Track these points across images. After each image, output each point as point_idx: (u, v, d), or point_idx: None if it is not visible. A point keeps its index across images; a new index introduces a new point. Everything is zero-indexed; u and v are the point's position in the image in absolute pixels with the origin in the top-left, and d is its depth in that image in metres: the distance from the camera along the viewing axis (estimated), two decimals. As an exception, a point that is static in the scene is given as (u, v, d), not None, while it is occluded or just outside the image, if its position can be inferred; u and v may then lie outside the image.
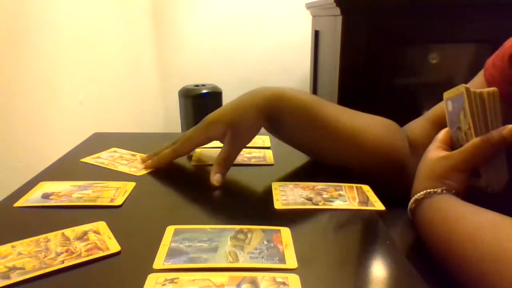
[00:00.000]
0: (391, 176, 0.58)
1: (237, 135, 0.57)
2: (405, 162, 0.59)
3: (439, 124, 0.54)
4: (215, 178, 0.55)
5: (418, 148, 0.58)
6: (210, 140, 0.60)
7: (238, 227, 0.44)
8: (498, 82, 0.51)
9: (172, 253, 0.39)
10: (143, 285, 0.34)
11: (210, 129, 0.58)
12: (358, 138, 0.58)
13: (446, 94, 0.50)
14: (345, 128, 0.58)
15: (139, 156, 0.66)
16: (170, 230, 0.43)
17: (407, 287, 0.36)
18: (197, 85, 1.93)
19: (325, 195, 0.52)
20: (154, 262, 0.38)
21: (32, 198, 0.51)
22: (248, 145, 0.71)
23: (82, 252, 0.39)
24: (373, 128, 0.60)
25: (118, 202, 0.50)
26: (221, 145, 0.58)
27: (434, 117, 0.60)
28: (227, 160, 0.57)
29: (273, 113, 0.57)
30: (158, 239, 0.41)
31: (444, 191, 0.45)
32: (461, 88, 0.47)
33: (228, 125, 0.57)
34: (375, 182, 0.55)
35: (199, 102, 1.88)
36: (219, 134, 0.58)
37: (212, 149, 0.70)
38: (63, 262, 0.38)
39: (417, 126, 0.63)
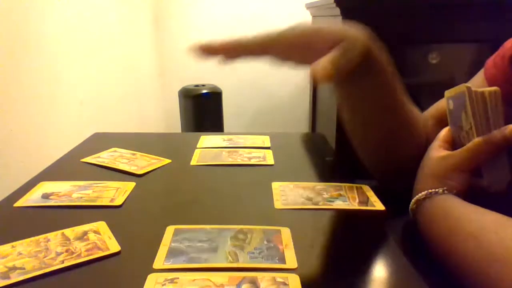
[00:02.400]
0: (404, 174, 0.56)
1: (354, 48, 0.46)
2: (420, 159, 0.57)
3: (442, 120, 0.54)
4: (326, 73, 0.43)
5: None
6: (308, 40, 0.47)
7: (238, 227, 0.44)
8: (500, 82, 0.50)
9: (172, 253, 0.39)
10: (143, 285, 0.34)
11: (321, 31, 0.46)
12: (412, 126, 0.56)
13: (447, 93, 0.50)
14: (408, 110, 0.55)
15: (139, 154, 0.66)
16: (170, 230, 0.43)
17: (407, 287, 0.36)
18: (197, 85, 1.93)
19: (325, 195, 0.52)
20: (154, 262, 0.37)
21: (32, 198, 0.51)
22: (248, 145, 0.72)
23: (82, 252, 0.39)
24: (420, 120, 0.58)
25: (118, 202, 0.50)
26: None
27: (436, 113, 0.60)
28: (343, 66, 0.45)
29: (370, 54, 0.49)
30: (158, 239, 0.41)
31: (446, 191, 0.45)
32: (462, 87, 0.47)
33: (346, 33, 0.46)
34: (394, 180, 0.53)
35: (199, 102, 1.88)
36: (329, 40, 0.46)
37: (212, 149, 0.70)
38: (63, 262, 0.38)
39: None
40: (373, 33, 0.50)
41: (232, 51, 0.47)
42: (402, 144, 0.56)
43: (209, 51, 0.48)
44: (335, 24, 0.48)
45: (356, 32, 0.48)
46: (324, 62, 0.44)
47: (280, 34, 0.46)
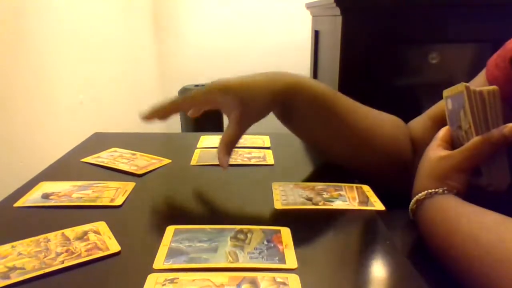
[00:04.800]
0: (394, 176, 0.58)
1: (247, 113, 0.53)
2: (409, 162, 0.59)
3: (440, 122, 0.54)
4: (225, 160, 0.52)
5: (420, 146, 0.58)
6: (212, 105, 0.56)
7: (238, 227, 0.44)
8: (502, 82, 0.50)
9: (172, 253, 0.39)
10: (143, 285, 0.34)
11: (218, 94, 0.53)
12: (370, 137, 0.58)
13: (445, 92, 0.50)
14: (359, 126, 0.58)
15: (139, 154, 0.66)
16: (170, 230, 0.43)
17: (407, 287, 0.36)
18: (197, 85, 1.92)
19: (325, 195, 0.52)
20: (154, 262, 0.37)
21: (32, 198, 0.51)
22: (248, 145, 0.72)
23: (82, 252, 0.39)
24: (385, 127, 0.60)
25: (118, 202, 0.50)
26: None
27: (435, 114, 0.60)
28: (234, 141, 0.53)
29: (287, 101, 0.55)
30: (158, 239, 0.41)
31: (446, 191, 0.45)
32: (461, 86, 0.47)
33: (239, 99, 0.52)
34: (377, 181, 0.55)
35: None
36: (225, 103, 0.54)
37: (212, 149, 0.70)
38: (63, 262, 0.38)
39: (418, 124, 0.63)
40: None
41: (161, 115, 0.56)
42: (362, 155, 0.59)
43: (149, 118, 0.57)
44: (242, 84, 0.53)
45: (256, 91, 0.54)
46: (219, 154, 0.52)
47: (183, 98, 0.56)
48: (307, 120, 0.58)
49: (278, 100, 0.54)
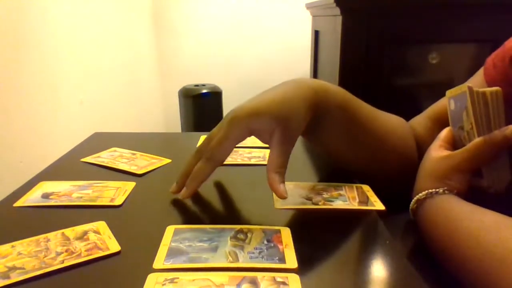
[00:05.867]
0: (402, 177, 0.57)
1: (288, 132, 0.47)
2: (416, 162, 0.58)
3: (441, 121, 0.54)
4: (283, 190, 0.46)
5: (421, 145, 0.58)
6: (249, 136, 0.48)
7: (238, 227, 0.44)
8: (499, 83, 0.50)
9: (172, 253, 0.39)
10: (143, 285, 0.34)
11: (253, 122, 0.47)
12: (385, 142, 0.57)
13: (448, 93, 0.50)
14: (378, 133, 0.56)
15: (139, 154, 0.66)
16: (170, 230, 0.43)
17: (407, 287, 0.36)
18: (197, 85, 1.93)
19: (325, 195, 0.52)
20: (154, 262, 0.37)
21: (32, 198, 0.51)
22: (248, 145, 0.71)
23: (82, 252, 0.39)
24: (397, 130, 0.59)
25: (118, 202, 0.50)
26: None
27: (435, 114, 0.60)
28: (284, 164, 0.47)
29: (319, 108, 0.50)
30: (158, 239, 0.41)
31: (446, 192, 0.45)
32: (464, 87, 0.47)
33: (277, 120, 0.46)
34: (384, 184, 0.54)
35: (199, 102, 1.88)
36: (264, 130, 0.48)
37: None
38: (63, 262, 0.38)
39: (419, 123, 0.63)
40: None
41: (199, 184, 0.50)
42: (379, 158, 0.58)
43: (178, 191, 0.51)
44: (271, 104, 0.47)
45: (290, 107, 0.48)
46: (273, 187, 0.46)
47: (220, 144, 0.47)
48: (333, 127, 0.54)
49: (312, 108, 0.50)
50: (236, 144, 0.48)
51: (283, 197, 0.46)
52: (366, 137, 0.56)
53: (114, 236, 0.42)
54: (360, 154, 0.57)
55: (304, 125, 0.49)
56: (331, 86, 0.53)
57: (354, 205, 0.49)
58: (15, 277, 0.36)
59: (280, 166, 0.47)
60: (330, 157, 0.60)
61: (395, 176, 0.57)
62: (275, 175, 0.46)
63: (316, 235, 0.45)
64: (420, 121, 0.63)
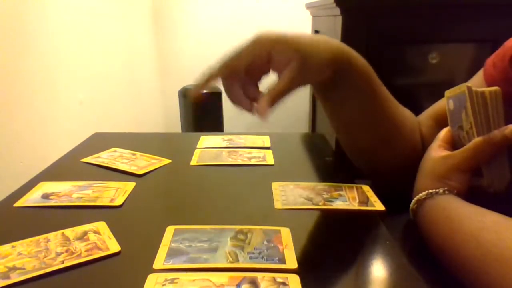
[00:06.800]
0: (406, 173, 0.54)
1: (305, 69, 0.46)
2: (419, 161, 0.58)
3: (441, 121, 0.54)
4: (267, 110, 0.44)
5: (423, 144, 0.58)
6: (265, 60, 0.47)
7: (238, 227, 0.44)
8: (499, 82, 0.50)
9: (172, 253, 0.39)
10: (143, 285, 0.34)
11: (276, 47, 0.46)
12: (400, 130, 0.56)
13: (448, 93, 0.50)
14: (394, 117, 0.55)
15: (139, 154, 0.66)
16: (170, 230, 0.43)
17: (407, 287, 0.36)
18: (197, 85, 1.92)
19: (325, 195, 0.52)
20: (154, 262, 0.37)
21: (32, 198, 0.51)
22: (248, 145, 0.72)
23: (82, 252, 0.39)
24: (407, 124, 0.58)
25: (118, 202, 0.50)
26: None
27: (436, 114, 0.60)
28: (284, 92, 0.46)
29: (342, 65, 0.50)
30: (158, 239, 0.41)
31: (446, 192, 0.45)
32: (463, 87, 0.47)
33: (298, 52, 0.46)
34: (388, 180, 0.53)
35: (199, 102, 1.88)
36: (283, 59, 0.46)
37: (212, 149, 0.70)
38: (63, 262, 0.38)
39: (421, 122, 0.62)
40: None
41: (211, 82, 0.50)
42: (388, 145, 0.57)
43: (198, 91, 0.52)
44: (300, 38, 0.47)
45: (315, 47, 0.47)
46: (261, 102, 0.45)
47: (240, 52, 0.48)
48: (352, 93, 0.52)
49: (337, 61, 0.49)
50: (250, 60, 0.47)
51: (262, 114, 0.45)
52: (383, 117, 0.54)
53: (114, 236, 0.42)
54: (373, 133, 0.55)
55: (321, 74, 0.49)
56: (359, 56, 0.53)
57: (354, 205, 0.49)
58: (15, 277, 0.36)
59: (279, 94, 0.46)
60: (339, 131, 0.58)
61: (399, 170, 0.56)
62: (270, 96, 0.45)
63: (316, 235, 0.45)
64: (422, 120, 0.63)
